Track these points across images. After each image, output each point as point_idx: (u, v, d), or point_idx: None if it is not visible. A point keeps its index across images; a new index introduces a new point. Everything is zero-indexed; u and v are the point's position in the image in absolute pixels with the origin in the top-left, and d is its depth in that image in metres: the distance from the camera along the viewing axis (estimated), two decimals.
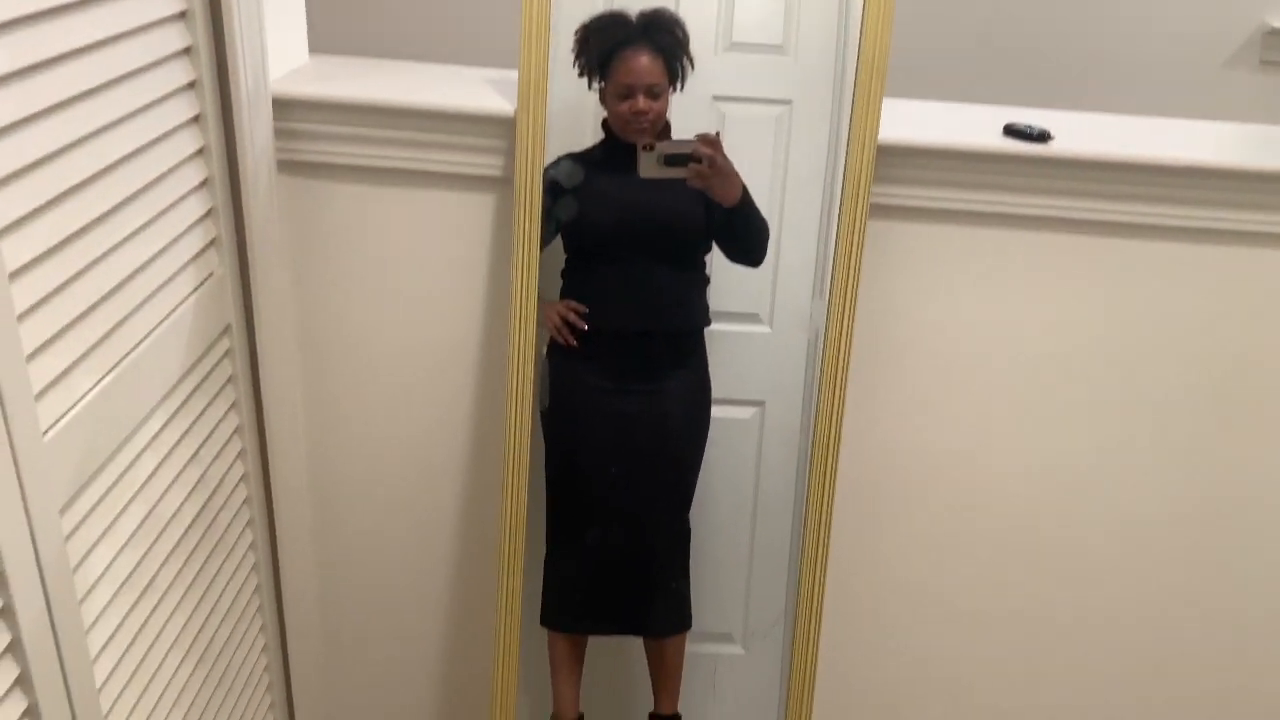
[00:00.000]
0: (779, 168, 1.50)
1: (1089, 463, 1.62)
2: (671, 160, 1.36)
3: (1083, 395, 1.58)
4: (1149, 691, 1.78)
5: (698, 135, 1.38)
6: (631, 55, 1.39)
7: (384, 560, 1.72)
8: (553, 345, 1.51)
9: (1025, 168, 1.42)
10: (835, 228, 1.42)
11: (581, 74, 1.42)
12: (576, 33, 1.41)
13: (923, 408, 1.61)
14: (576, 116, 1.48)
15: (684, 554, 1.62)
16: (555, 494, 1.58)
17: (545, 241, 1.44)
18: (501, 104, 1.42)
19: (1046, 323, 1.54)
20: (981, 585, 1.72)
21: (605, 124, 1.45)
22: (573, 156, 1.47)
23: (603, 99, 1.42)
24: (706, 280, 1.52)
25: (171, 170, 1.18)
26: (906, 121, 1.43)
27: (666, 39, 1.40)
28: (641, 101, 1.39)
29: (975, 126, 1.46)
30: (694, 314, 1.52)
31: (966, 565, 1.70)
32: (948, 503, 1.67)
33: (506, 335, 1.46)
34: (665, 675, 1.66)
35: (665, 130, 1.44)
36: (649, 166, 1.37)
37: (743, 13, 1.47)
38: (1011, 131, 1.43)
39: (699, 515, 1.61)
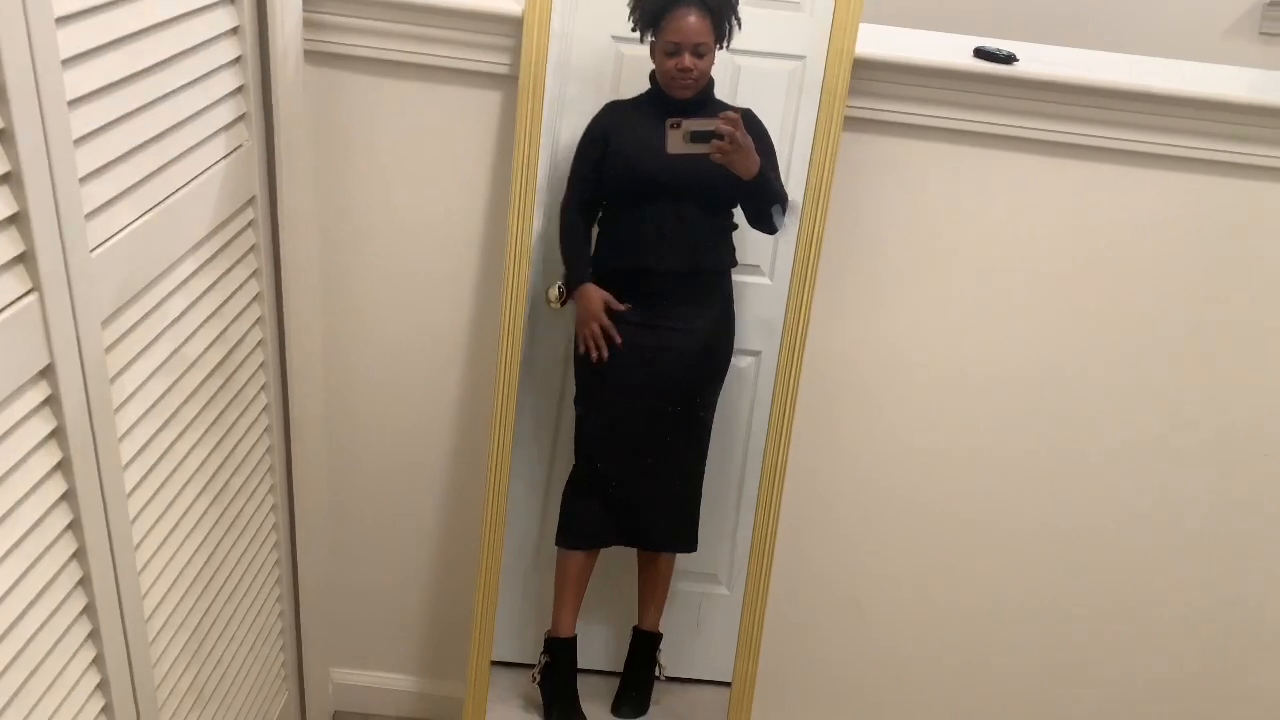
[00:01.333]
0: (789, 121, 1.59)
1: (1047, 375, 1.73)
2: (696, 137, 1.49)
3: (1040, 306, 1.69)
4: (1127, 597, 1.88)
5: (721, 114, 1.49)
6: (682, 14, 1.48)
7: (391, 424, 1.83)
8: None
9: (991, 86, 1.53)
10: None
11: (634, 28, 1.52)
12: None
13: (890, 311, 1.71)
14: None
15: (697, 482, 1.72)
16: (581, 420, 1.69)
17: (588, 193, 1.58)
18: (510, 4, 1.53)
19: (1009, 236, 1.65)
20: (937, 495, 1.82)
21: (652, 75, 1.55)
22: (617, 105, 1.57)
23: (652, 53, 1.52)
24: (734, 226, 1.63)
25: (209, 42, 1.29)
26: (884, 41, 1.54)
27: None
28: (687, 59, 1.49)
29: (948, 49, 1.57)
30: (720, 255, 1.63)
31: (921, 473, 1.81)
32: (907, 412, 1.77)
33: (506, 226, 1.59)
34: (655, 591, 1.78)
35: (708, 88, 1.54)
36: (676, 143, 1.49)
37: None
38: (981, 53, 1.54)
39: None
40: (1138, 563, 1.83)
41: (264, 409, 1.62)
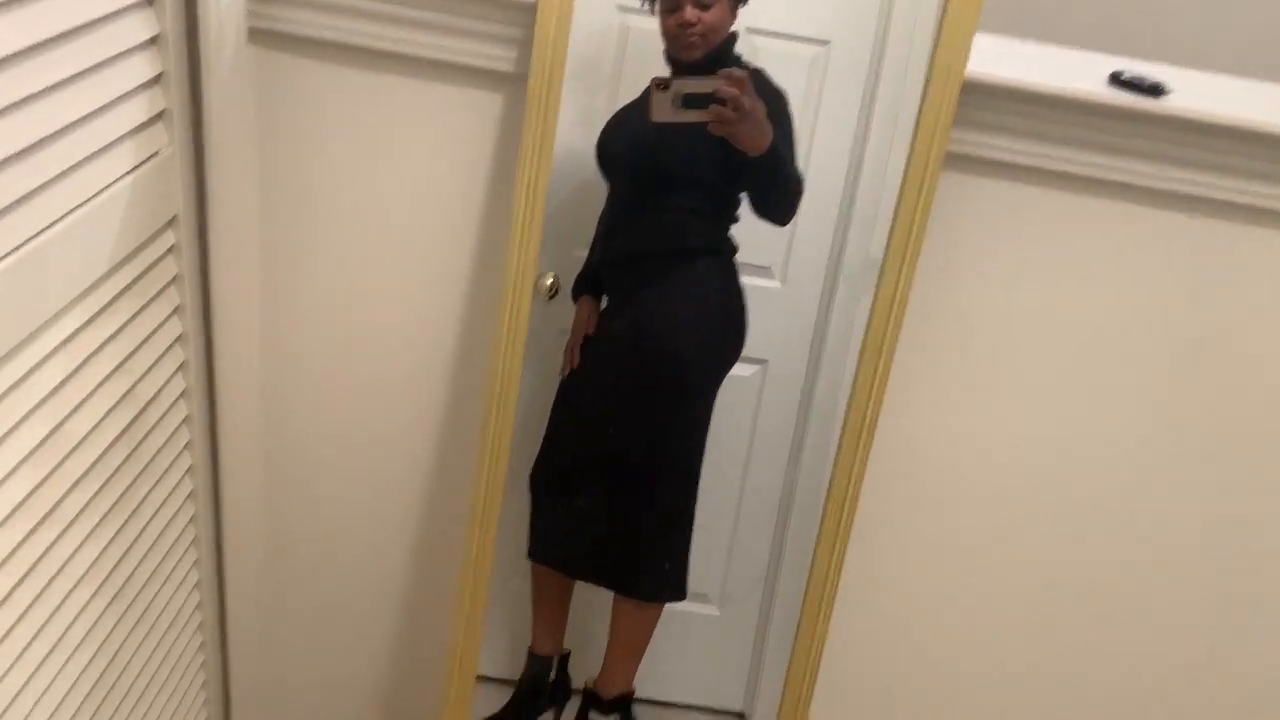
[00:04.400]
0: (810, 112, 1.40)
1: (1153, 468, 1.46)
2: (690, 101, 1.18)
3: (1154, 401, 1.41)
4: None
5: (722, 71, 1.19)
6: None
7: (346, 491, 1.55)
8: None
9: (1133, 126, 1.21)
10: (868, 178, 1.29)
11: None
12: None
13: (968, 391, 1.42)
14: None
15: (679, 512, 1.49)
16: (549, 428, 1.48)
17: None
18: None
19: (1133, 313, 1.36)
20: (1004, 578, 1.56)
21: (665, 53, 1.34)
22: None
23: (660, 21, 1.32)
24: (728, 209, 1.38)
25: (110, 16, 0.97)
26: (987, 58, 1.22)
27: None
28: (689, 12, 1.28)
29: (1074, 71, 1.25)
30: (692, 234, 1.39)
31: (995, 564, 1.55)
32: (982, 497, 1.50)
33: (503, 260, 1.26)
34: (613, 644, 1.54)
35: (725, 47, 1.29)
36: (663, 108, 1.18)
37: None
38: (1120, 81, 1.21)
39: None
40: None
41: (188, 495, 1.33)
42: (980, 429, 1.45)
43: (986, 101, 1.22)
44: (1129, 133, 1.22)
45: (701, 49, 1.28)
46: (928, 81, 1.17)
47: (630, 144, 1.36)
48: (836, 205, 1.43)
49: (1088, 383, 1.41)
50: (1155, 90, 1.20)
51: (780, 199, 1.33)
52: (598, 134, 1.39)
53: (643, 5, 1.32)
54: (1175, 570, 1.53)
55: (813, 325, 1.50)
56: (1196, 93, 1.24)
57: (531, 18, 1.19)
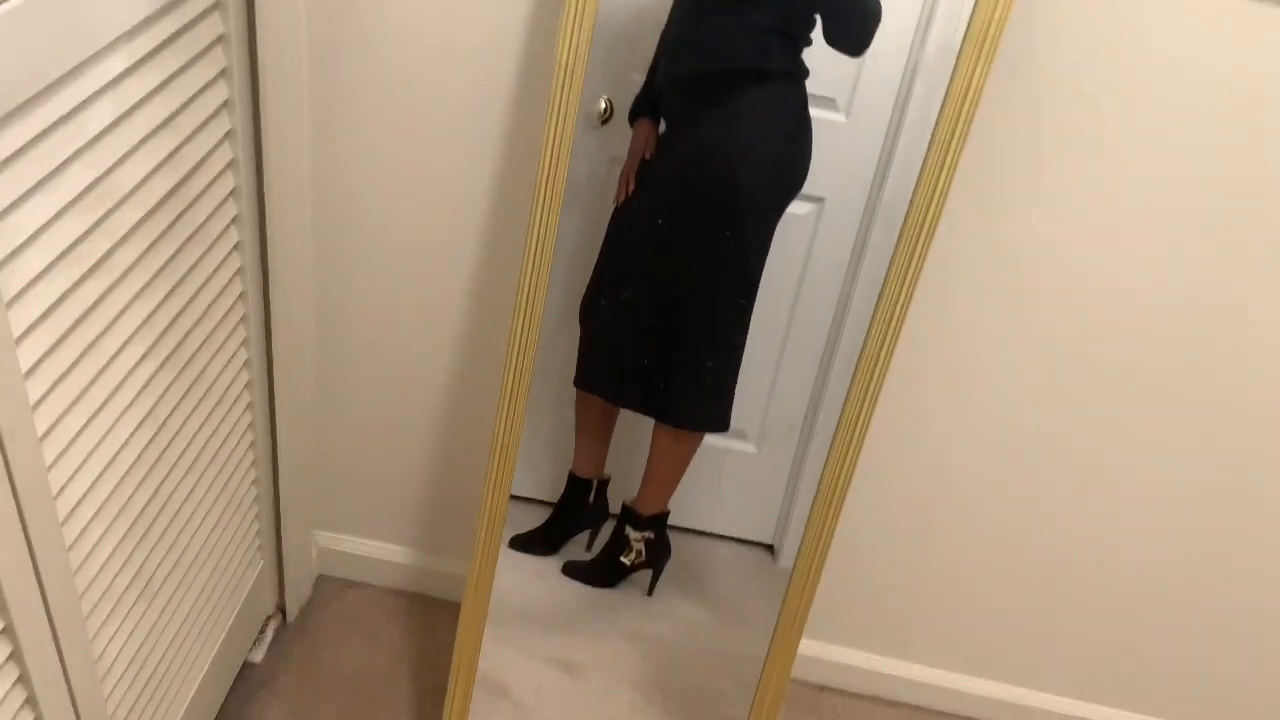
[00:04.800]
0: None
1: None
2: None
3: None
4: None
5: None
6: None
7: (393, 285, 1.53)
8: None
9: None
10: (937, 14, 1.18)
11: None
12: None
13: (1045, 208, 1.35)
14: None
15: (727, 346, 1.46)
16: (600, 258, 1.43)
17: None
18: None
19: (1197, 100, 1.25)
20: (1028, 420, 1.53)
21: None
22: None
23: None
24: (805, 29, 1.28)
25: None
26: None
27: None
28: None
29: None
30: (764, 55, 1.30)
31: (1024, 408, 1.51)
32: (1033, 336, 1.45)
33: (543, 92, 1.20)
34: (651, 468, 1.55)
35: None
36: None
37: None
38: None
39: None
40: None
41: (237, 271, 1.31)
42: (1042, 239, 1.39)
43: None
44: None
45: None
46: None
47: None
48: (910, 38, 1.31)
49: (1152, 209, 1.34)
50: None
51: (860, 22, 1.25)
52: None
53: None
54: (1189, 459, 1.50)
55: (874, 165, 1.40)
56: None
57: None
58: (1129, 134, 1.29)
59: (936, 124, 1.20)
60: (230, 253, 1.29)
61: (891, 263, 1.28)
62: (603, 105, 1.38)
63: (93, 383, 1.02)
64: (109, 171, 0.98)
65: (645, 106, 1.37)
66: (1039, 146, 1.32)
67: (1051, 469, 1.57)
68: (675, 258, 1.41)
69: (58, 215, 0.92)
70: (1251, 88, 1.24)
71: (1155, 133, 1.29)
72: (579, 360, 1.51)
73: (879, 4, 1.23)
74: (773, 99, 1.33)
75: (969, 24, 1.15)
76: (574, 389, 1.54)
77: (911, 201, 1.24)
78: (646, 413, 1.52)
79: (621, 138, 1.39)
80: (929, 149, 1.22)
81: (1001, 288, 1.43)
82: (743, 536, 1.70)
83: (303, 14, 1.29)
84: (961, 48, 1.16)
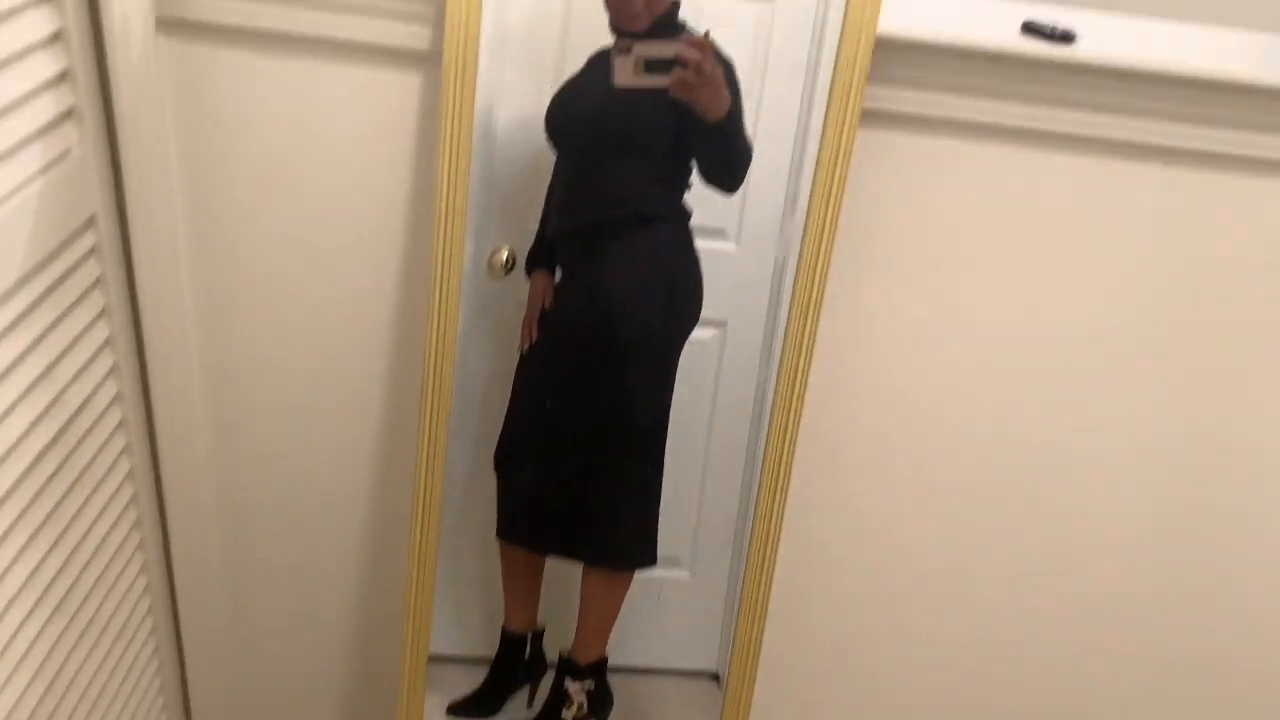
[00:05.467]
0: (756, 74, 1.36)
1: (1088, 424, 1.49)
2: (653, 66, 1.17)
3: (1085, 345, 1.43)
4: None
5: (684, 35, 1.19)
6: None
7: (294, 487, 1.52)
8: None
9: (1043, 73, 1.22)
10: (815, 138, 1.25)
11: None
12: None
13: (904, 346, 1.43)
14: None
15: (646, 479, 1.48)
16: (510, 405, 1.46)
17: None
18: None
19: (1054, 256, 1.37)
20: (941, 526, 1.58)
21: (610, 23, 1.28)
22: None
23: None
24: (682, 175, 1.36)
25: (5, 15, 0.94)
26: (897, 11, 1.22)
27: None
28: None
29: (984, 21, 1.26)
30: (648, 201, 1.37)
31: (928, 511, 1.57)
32: (917, 449, 1.52)
33: (429, 242, 1.25)
34: (585, 614, 1.54)
35: (669, 15, 1.26)
36: (626, 73, 1.18)
37: None
38: (1030, 29, 1.23)
39: None
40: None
41: (129, 500, 1.30)
42: (904, 380, 1.47)
43: (896, 58, 1.21)
44: (1041, 80, 1.23)
45: (646, 19, 1.25)
46: (841, 38, 1.17)
47: (582, 112, 1.32)
48: (786, 166, 1.41)
49: (1010, 326, 1.43)
50: (1066, 37, 1.22)
51: (733, 166, 1.33)
52: (545, 108, 1.35)
53: None
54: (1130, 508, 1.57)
55: (769, 285, 1.49)
56: (1106, 37, 1.25)
57: None
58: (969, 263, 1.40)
59: (800, 253, 1.30)
60: (121, 485, 1.27)
61: (776, 390, 1.36)
62: (505, 255, 1.42)
63: None
64: None
65: (540, 257, 1.42)
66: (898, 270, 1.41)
67: (957, 581, 1.62)
68: (580, 402, 1.43)
69: None
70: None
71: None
72: (499, 511, 1.52)
73: (749, 147, 1.32)
74: (657, 242, 1.39)
75: (811, 195, 1.25)
76: (498, 541, 1.54)
77: (787, 331, 1.32)
78: (572, 558, 1.52)
79: (523, 287, 1.43)
80: (795, 283, 1.31)
81: (880, 416, 1.50)
82: (686, 667, 1.69)
83: (180, 242, 1.31)
84: (807, 220, 1.26)
